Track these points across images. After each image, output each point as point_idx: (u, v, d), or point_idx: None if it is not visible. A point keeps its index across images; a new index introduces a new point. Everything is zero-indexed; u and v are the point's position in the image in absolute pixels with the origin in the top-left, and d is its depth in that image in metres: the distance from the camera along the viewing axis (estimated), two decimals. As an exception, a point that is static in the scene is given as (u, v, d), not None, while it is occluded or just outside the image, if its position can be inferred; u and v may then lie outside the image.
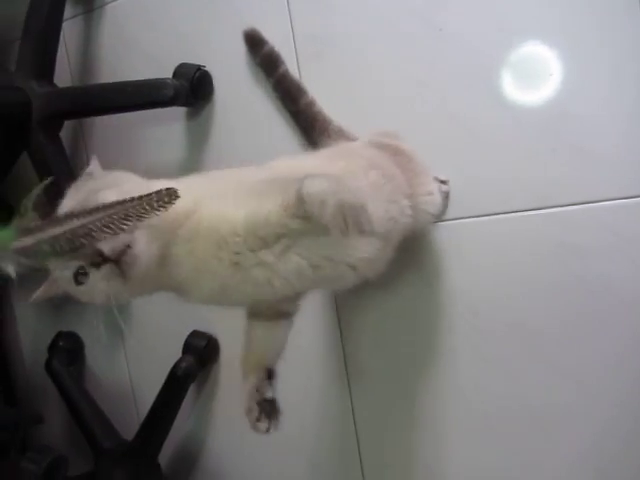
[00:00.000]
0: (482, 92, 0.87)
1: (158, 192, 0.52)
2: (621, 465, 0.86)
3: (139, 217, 0.51)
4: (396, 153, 0.81)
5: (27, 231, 0.53)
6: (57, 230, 0.51)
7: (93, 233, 0.51)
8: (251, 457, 1.16)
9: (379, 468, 1.05)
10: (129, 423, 1.21)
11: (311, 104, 0.93)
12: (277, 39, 0.99)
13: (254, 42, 0.99)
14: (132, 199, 0.52)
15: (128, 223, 0.51)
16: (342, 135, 0.90)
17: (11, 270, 0.53)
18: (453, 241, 0.92)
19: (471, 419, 0.95)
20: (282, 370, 0.67)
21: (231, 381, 1.15)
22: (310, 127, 0.93)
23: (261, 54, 0.98)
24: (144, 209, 0.52)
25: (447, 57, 0.89)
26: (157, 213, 0.52)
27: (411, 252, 0.91)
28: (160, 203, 0.52)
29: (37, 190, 0.57)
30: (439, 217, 0.90)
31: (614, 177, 0.82)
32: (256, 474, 1.15)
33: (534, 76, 0.85)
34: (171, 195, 0.52)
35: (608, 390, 0.86)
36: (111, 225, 0.51)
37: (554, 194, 0.85)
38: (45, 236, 0.52)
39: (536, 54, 0.85)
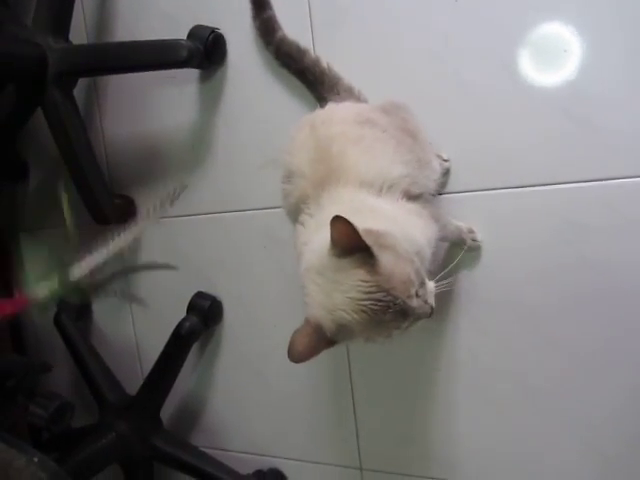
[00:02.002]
0: (495, 66, 0.87)
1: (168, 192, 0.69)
2: (624, 448, 0.88)
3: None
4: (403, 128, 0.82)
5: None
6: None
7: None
8: (249, 416, 1.19)
9: (373, 432, 1.08)
10: (133, 379, 1.25)
11: (317, 61, 0.93)
12: (292, 6, 0.99)
13: (259, 3, 0.99)
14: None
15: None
16: (352, 94, 0.90)
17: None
18: (456, 213, 0.92)
19: (467, 394, 0.98)
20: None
21: (233, 342, 1.18)
22: (319, 82, 0.92)
23: (261, 17, 0.98)
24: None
25: (461, 29, 0.89)
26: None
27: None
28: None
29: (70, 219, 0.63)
30: (439, 191, 0.91)
31: (622, 156, 0.82)
32: (254, 433, 1.19)
33: (547, 52, 0.85)
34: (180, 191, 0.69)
35: (608, 371, 0.87)
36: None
37: (561, 171, 0.85)
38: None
39: (551, 29, 0.84)
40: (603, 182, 0.84)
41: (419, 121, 0.87)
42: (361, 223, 0.60)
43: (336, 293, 0.61)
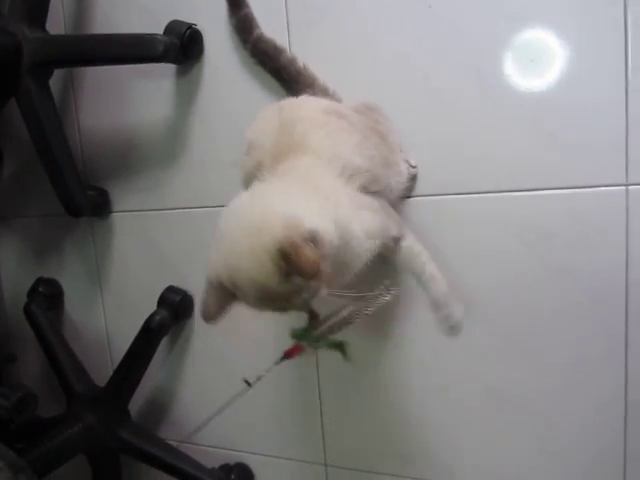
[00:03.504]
0: (464, 72, 0.89)
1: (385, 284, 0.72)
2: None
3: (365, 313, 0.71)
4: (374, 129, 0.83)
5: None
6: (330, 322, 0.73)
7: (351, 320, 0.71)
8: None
9: (339, 429, 1.09)
10: (102, 371, 1.25)
11: (293, 60, 0.93)
12: (269, 5, 0.99)
13: (234, 1, 0.99)
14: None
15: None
16: (327, 94, 0.91)
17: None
18: (423, 217, 0.94)
19: (431, 394, 0.99)
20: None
21: (203, 336, 1.19)
22: (294, 81, 0.92)
23: (238, 15, 0.98)
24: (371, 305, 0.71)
25: (434, 34, 0.90)
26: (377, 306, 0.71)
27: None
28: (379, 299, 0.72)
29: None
30: (405, 195, 0.92)
31: (585, 166, 0.84)
32: (221, 427, 1.20)
33: (517, 59, 0.86)
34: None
35: (572, 375, 0.90)
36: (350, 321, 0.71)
37: (527, 178, 0.87)
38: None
39: (520, 39, 0.86)
40: (567, 190, 0.86)
41: (392, 125, 0.88)
42: (302, 202, 0.63)
43: (242, 262, 0.60)
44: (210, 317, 0.64)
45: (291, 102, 0.82)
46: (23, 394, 0.98)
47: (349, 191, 0.71)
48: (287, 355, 0.74)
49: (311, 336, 0.73)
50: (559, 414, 0.91)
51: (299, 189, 0.66)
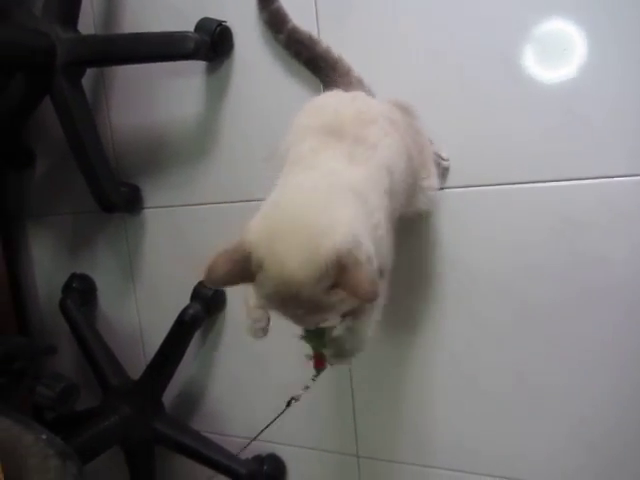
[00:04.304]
0: (496, 63, 0.89)
1: None
2: (613, 441, 0.90)
3: None
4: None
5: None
6: None
7: None
8: (249, 402, 1.21)
9: (371, 420, 1.10)
10: (136, 364, 1.27)
11: (328, 49, 0.93)
12: (298, 0, 1.00)
13: None
14: None
15: None
16: (362, 86, 0.90)
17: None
18: (454, 209, 0.94)
19: (464, 385, 1.00)
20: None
21: (234, 329, 1.20)
22: (331, 69, 0.92)
23: (269, 9, 0.98)
24: None
25: (465, 26, 0.90)
26: None
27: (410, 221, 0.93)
28: None
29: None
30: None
31: (620, 154, 0.84)
32: (253, 418, 1.20)
33: (548, 50, 0.86)
34: None
35: (601, 364, 0.89)
36: None
37: (560, 168, 0.87)
38: None
39: (552, 28, 0.85)
40: (600, 180, 0.85)
41: (425, 131, 0.88)
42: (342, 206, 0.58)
43: (287, 251, 0.55)
44: (212, 280, 0.57)
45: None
46: (66, 384, 1.01)
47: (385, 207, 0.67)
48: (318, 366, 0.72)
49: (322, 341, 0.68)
50: (590, 402, 0.91)
51: (357, 203, 0.60)
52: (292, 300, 0.56)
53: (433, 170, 0.86)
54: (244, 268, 0.56)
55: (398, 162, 0.71)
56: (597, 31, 0.83)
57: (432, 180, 0.85)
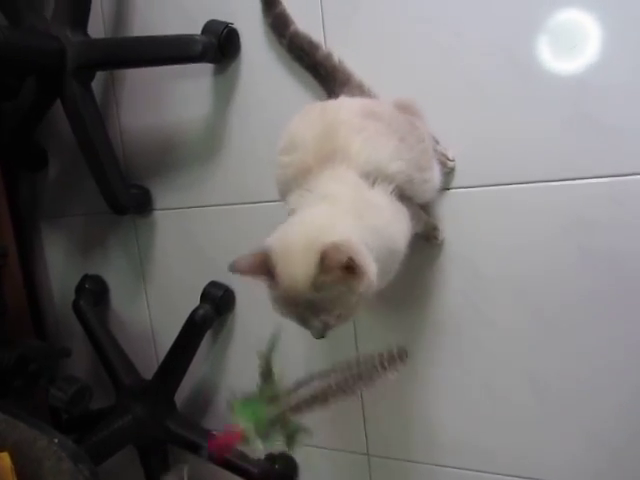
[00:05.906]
0: (503, 61, 0.88)
1: (389, 352, 0.64)
2: (637, 448, 0.89)
3: (370, 380, 0.64)
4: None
5: (273, 399, 0.64)
6: (299, 395, 0.64)
7: (330, 398, 0.63)
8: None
9: (381, 419, 1.10)
10: (148, 364, 1.29)
11: (329, 56, 0.94)
12: (304, 1, 1.00)
13: (268, 1, 1.00)
14: (364, 359, 0.64)
15: (360, 387, 0.64)
16: (363, 90, 0.91)
17: (260, 446, 0.61)
18: (463, 209, 0.94)
19: (474, 383, 0.99)
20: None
21: (244, 329, 1.21)
22: (331, 78, 0.93)
23: (273, 13, 0.99)
24: (376, 370, 0.63)
25: (473, 26, 0.90)
26: (389, 375, 0.63)
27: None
28: (392, 365, 0.64)
29: (268, 355, 0.70)
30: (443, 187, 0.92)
31: (631, 153, 0.83)
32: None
33: (557, 47, 0.85)
34: (402, 355, 0.64)
35: (613, 364, 0.88)
36: (345, 389, 0.63)
37: (570, 167, 0.86)
38: (290, 403, 0.64)
39: (561, 25, 0.84)
40: (612, 179, 0.84)
41: (428, 128, 0.88)
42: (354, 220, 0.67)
43: (292, 255, 0.65)
44: (237, 268, 0.67)
45: (333, 105, 0.82)
46: (79, 387, 1.02)
47: (387, 198, 0.73)
48: (212, 450, 0.60)
49: (261, 411, 0.59)
50: (605, 403, 0.90)
51: (349, 209, 0.69)
52: (297, 299, 0.64)
53: (434, 162, 0.86)
54: (263, 266, 0.66)
55: (382, 151, 0.74)
56: (607, 28, 0.82)
57: (434, 172, 0.85)
